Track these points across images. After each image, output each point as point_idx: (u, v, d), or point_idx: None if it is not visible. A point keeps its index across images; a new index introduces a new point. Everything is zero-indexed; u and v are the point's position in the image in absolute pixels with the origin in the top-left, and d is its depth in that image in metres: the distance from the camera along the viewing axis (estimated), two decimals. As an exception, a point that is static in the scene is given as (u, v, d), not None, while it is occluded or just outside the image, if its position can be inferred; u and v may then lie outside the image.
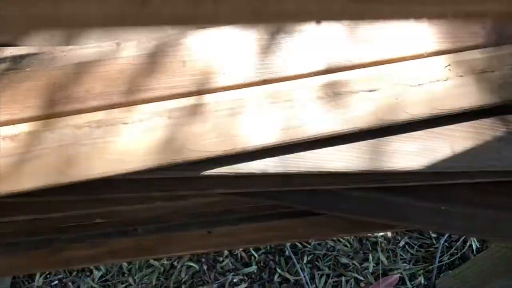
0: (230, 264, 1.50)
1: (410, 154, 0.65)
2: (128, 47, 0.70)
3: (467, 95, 0.68)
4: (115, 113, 0.65)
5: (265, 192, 0.68)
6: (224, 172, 0.62)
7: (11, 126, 0.63)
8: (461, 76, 0.70)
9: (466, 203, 0.72)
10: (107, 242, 0.72)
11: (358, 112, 0.67)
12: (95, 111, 0.65)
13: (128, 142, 0.62)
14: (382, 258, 1.51)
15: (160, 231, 0.73)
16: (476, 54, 0.71)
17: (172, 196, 0.67)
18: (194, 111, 0.65)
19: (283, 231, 0.80)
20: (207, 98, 0.67)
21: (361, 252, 1.53)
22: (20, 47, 0.73)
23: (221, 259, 1.46)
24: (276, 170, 0.63)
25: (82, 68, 0.68)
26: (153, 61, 0.69)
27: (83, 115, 0.64)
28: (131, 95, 0.66)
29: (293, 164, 0.63)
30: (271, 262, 1.50)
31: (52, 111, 0.64)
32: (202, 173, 0.62)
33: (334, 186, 0.67)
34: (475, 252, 1.53)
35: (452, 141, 0.67)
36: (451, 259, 1.53)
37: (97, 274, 1.30)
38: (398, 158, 0.65)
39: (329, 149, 0.65)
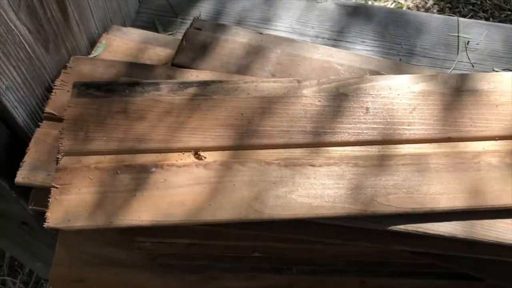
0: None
1: None
2: (309, 85, 0.70)
3: None
4: (302, 153, 0.64)
5: (442, 254, 0.65)
6: (412, 230, 0.61)
7: (202, 153, 0.63)
8: None
9: None
10: (261, 277, 0.71)
11: (548, 185, 0.64)
12: (281, 148, 0.65)
13: (316, 185, 0.61)
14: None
15: (314, 273, 0.72)
16: None
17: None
18: (380, 162, 0.64)
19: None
20: (392, 149, 0.65)
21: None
22: (200, 71, 0.75)
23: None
24: (465, 236, 0.61)
25: (267, 103, 0.68)
26: (335, 104, 0.69)
27: (270, 151, 0.64)
28: (317, 136, 0.66)
29: (483, 232, 0.61)
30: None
31: (240, 142, 0.64)
32: (389, 228, 0.61)
33: (515, 259, 0.64)
34: None
35: None
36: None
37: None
38: None
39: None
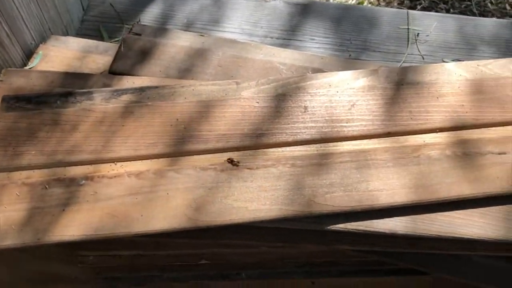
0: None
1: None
2: (247, 87, 0.69)
3: None
4: (239, 156, 0.63)
5: (386, 251, 0.65)
6: (352, 229, 0.60)
7: (139, 162, 0.61)
8: None
9: None
10: (210, 284, 0.70)
11: (488, 176, 0.63)
12: (218, 152, 0.63)
13: (253, 188, 0.60)
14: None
15: (263, 277, 0.70)
16: None
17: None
18: (318, 161, 0.63)
19: (389, 288, 0.76)
20: (330, 147, 0.64)
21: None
22: (137, 77, 0.73)
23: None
24: (406, 232, 0.60)
25: (204, 107, 0.66)
26: (273, 105, 0.67)
27: (206, 156, 0.63)
28: (254, 139, 0.64)
29: (424, 227, 0.60)
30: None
31: (175, 149, 0.63)
32: (328, 228, 0.60)
33: (460, 251, 0.63)
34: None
35: None
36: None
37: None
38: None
39: (460, 213, 0.61)
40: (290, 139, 0.65)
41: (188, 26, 0.98)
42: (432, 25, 1.02)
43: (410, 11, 1.04)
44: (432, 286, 0.74)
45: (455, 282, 0.74)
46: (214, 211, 0.58)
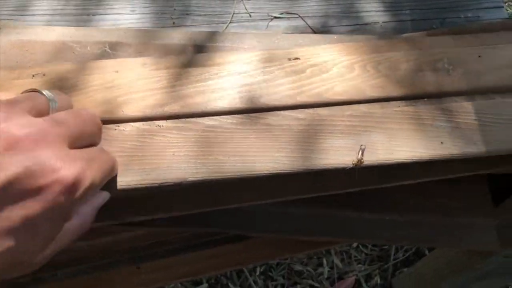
0: (180, 285, 1.42)
1: (344, 149, 0.57)
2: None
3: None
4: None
5: (190, 218, 0.60)
6: (135, 185, 0.52)
7: None
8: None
9: (413, 210, 0.68)
10: (25, 291, 0.63)
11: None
12: None
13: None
14: (337, 261, 1.47)
15: (82, 273, 0.65)
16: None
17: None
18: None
19: (224, 258, 0.73)
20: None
21: (315, 257, 1.49)
22: None
23: (170, 281, 1.37)
24: (196, 177, 0.54)
25: None
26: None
27: None
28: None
29: (216, 169, 0.55)
30: (222, 277, 1.43)
31: None
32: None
33: (267, 200, 0.60)
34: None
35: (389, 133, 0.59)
36: (406, 256, 1.51)
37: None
38: (332, 155, 0.56)
39: (255, 150, 0.56)
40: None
41: (-11, 14, 0.88)
42: (258, -20, 0.98)
43: (234, -31, 1.00)
44: (272, 246, 0.72)
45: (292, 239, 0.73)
46: None
